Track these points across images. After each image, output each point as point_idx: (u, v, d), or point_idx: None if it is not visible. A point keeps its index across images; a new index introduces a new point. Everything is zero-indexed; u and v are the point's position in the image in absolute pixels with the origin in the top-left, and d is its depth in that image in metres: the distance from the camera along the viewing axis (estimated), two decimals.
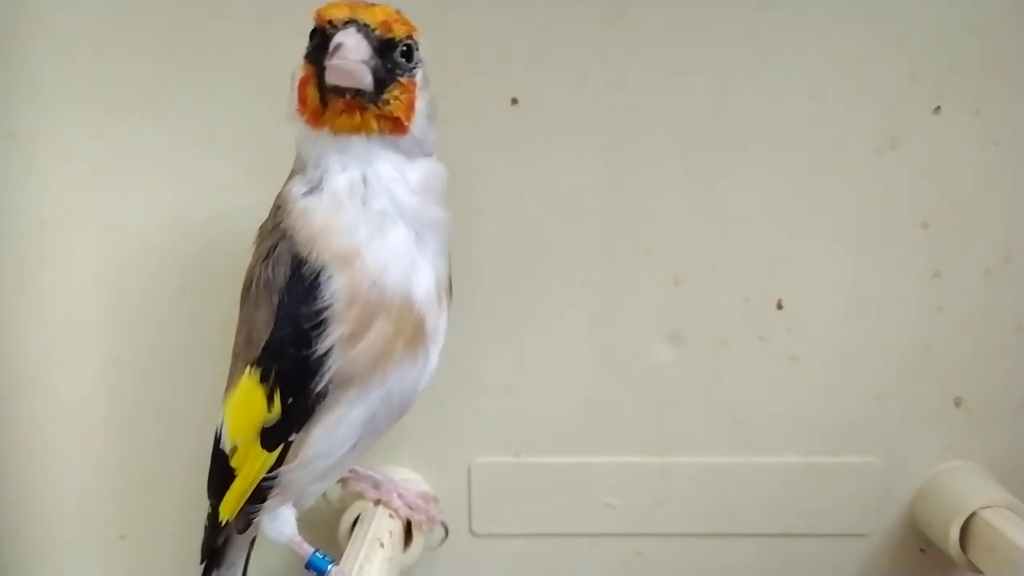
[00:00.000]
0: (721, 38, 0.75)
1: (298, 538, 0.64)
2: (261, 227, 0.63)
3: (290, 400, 0.58)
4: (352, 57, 0.53)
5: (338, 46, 0.52)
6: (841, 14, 0.75)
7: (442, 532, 0.78)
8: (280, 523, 0.64)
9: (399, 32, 0.56)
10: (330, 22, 0.54)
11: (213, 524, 0.65)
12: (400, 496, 0.73)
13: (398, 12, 0.57)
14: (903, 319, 0.78)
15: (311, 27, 0.56)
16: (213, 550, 0.68)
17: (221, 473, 0.63)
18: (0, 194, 0.77)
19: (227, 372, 0.66)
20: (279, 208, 0.59)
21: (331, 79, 0.54)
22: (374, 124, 0.57)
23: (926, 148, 0.76)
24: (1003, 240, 0.77)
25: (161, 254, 0.78)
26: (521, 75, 0.75)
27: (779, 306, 0.79)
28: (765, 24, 0.75)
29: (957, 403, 0.80)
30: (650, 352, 0.79)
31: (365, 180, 0.58)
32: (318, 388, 0.57)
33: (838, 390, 0.80)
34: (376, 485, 0.74)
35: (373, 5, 0.56)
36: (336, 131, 0.57)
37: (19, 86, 0.75)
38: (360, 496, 0.74)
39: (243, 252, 0.75)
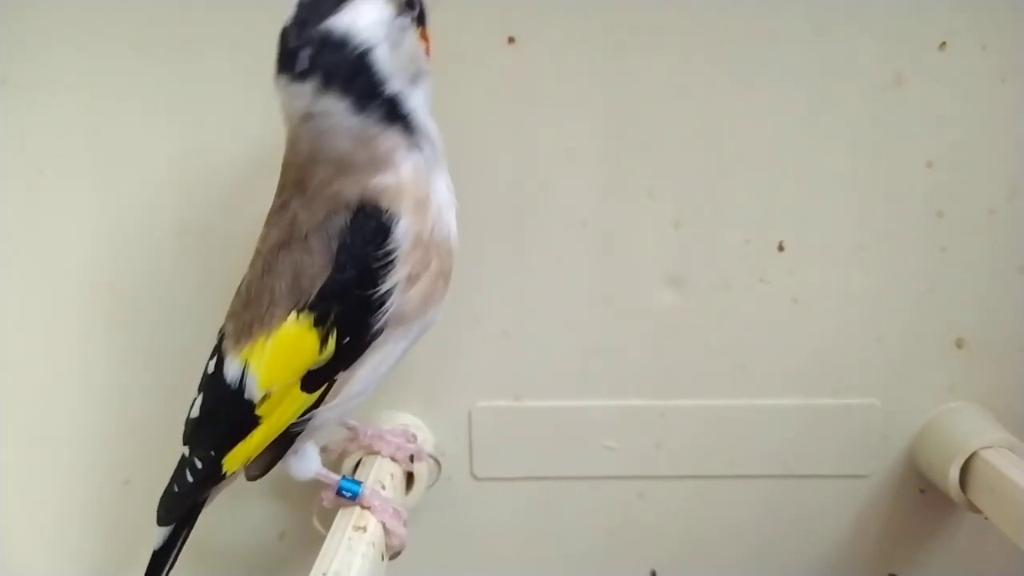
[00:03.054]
0: None
1: (324, 469, 0.66)
2: (291, 201, 0.61)
3: (347, 340, 0.59)
4: None
5: None
6: None
7: (435, 464, 0.79)
8: (307, 460, 0.66)
9: None
10: None
11: (206, 477, 0.64)
12: (380, 438, 0.75)
13: None
14: (905, 260, 0.78)
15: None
16: (192, 507, 0.68)
17: (236, 423, 0.62)
18: None
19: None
20: (371, 168, 0.59)
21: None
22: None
23: (931, 85, 0.75)
24: (1008, 179, 0.76)
25: (158, 199, 0.78)
26: (518, 14, 0.73)
27: (780, 248, 0.78)
28: None
29: (959, 344, 0.79)
30: (650, 295, 0.79)
31: (428, 128, 0.61)
32: (376, 326, 0.59)
33: (839, 332, 0.79)
34: (354, 436, 0.75)
35: None
36: None
37: (10, 31, 0.75)
38: (347, 449, 0.75)
39: (240, 196, 0.76)
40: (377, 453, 0.74)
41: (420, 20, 0.60)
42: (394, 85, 0.57)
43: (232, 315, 0.65)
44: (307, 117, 0.57)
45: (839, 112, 0.75)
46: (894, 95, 0.75)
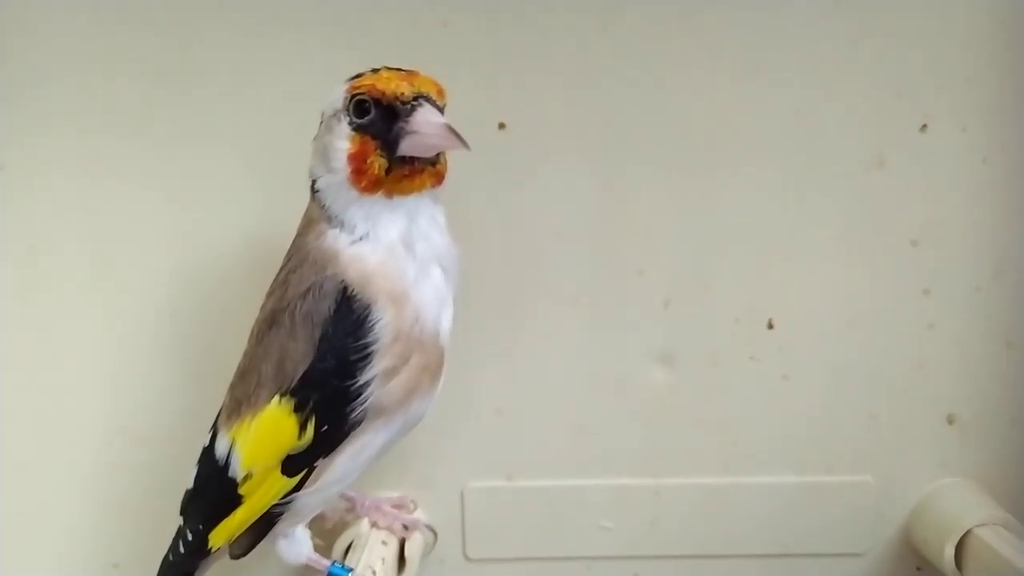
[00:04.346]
0: (708, 58, 0.75)
1: (315, 555, 0.67)
2: (286, 270, 0.64)
3: (324, 428, 0.60)
4: (439, 132, 0.58)
5: (424, 122, 0.58)
6: (827, 32, 0.75)
7: (431, 535, 0.79)
8: (298, 544, 0.67)
9: (446, 99, 0.61)
10: (398, 97, 0.58)
11: (195, 550, 0.65)
12: (376, 509, 0.76)
13: (433, 78, 0.61)
14: (894, 336, 0.78)
15: (341, 96, 0.61)
16: None
17: (221, 499, 0.63)
18: None
19: (220, 395, 0.66)
20: (317, 256, 0.61)
21: (415, 151, 0.59)
22: (428, 183, 0.61)
23: (914, 166, 0.76)
24: (993, 256, 0.77)
25: (152, 281, 0.78)
26: (507, 100, 0.75)
27: (770, 325, 0.79)
28: (752, 43, 0.75)
29: (950, 420, 0.79)
30: (642, 373, 0.79)
31: (411, 230, 0.62)
32: (354, 417, 0.60)
33: (831, 409, 0.79)
34: (351, 507, 0.76)
35: (416, 73, 0.60)
36: (392, 194, 0.61)
37: (7, 117, 0.76)
38: (344, 524, 0.75)
39: (234, 278, 0.77)
40: (374, 524, 0.75)
41: (363, 130, 0.60)
42: (311, 168, 0.63)
43: (230, 388, 0.66)
44: None
45: (824, 192, 0.77)
46: (878, 176, 0.76)
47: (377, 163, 0.59)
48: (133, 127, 0.76)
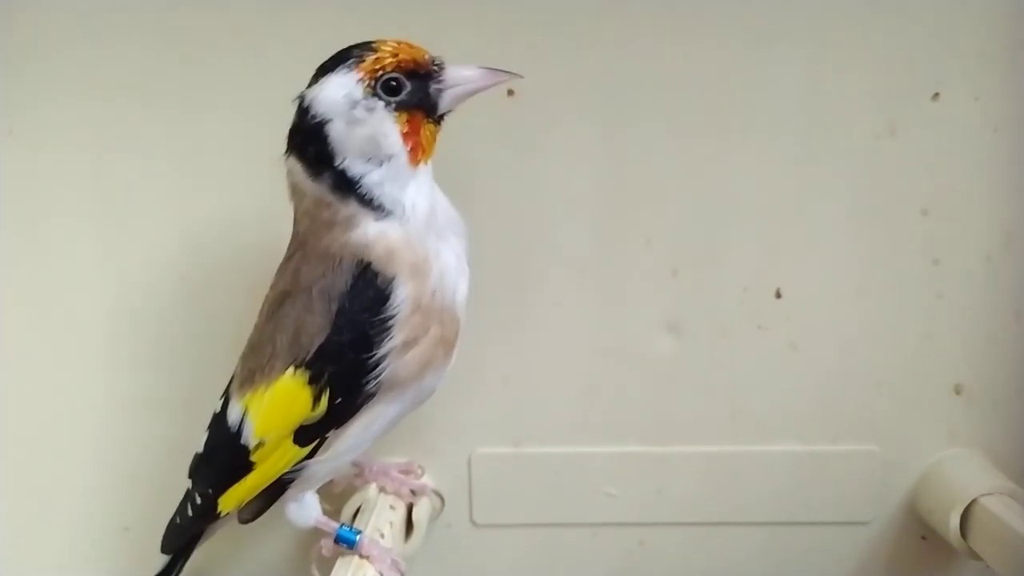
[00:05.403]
0: (718, 26, 0.75)
1: (324, 517, 0.67)
2: (295, 260, 0.63)
3: (338, 400, 0.60)
4: (483, 74, 0.61)
5: (463, 73, 0.61)
6: (839, 1, 0.74)
7: (438, 500, 0.80)
8: (307, 507, 0.67)
9: None
10: (427, 62, 0.60)
11: (203, 514, 0.66)
12: (384, 474, 0.76)
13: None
14: (903, 306, 0.78)
15: (362, 75, 0.59)
16: (189, 540, 0.69)
17: (232, 465, 0.64)
18: None
19: (230, 361, 0.67)
20: (336, 251, 0.60)
21: (458, 102, 0.61)
22: (433, 147, 0.62)
23: (925, 135, 0.76)
24: (1002, 226, 0.77)
25: (161, 245, 0.79)
26: (517, 67, 0.74)
27: (778, 295, 0.79)
28: (762, 11, 0.75)
29: (957, 390, 0.79)
30: (649, 341, 0.79)
31: (432, 196, 0.63)
32: (368, 390, 0.61)
33: (838, 378, 0.80)
34: (360, 472, 0.76)
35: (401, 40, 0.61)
36: (420, 163, 0.61)
37: (16, 83, 0.76)
38: (353, 489, 0.76)
39: (242, 243, 0.77)
40: (382, 489, 0.76)
41: (408, 106, 0.60)
42: (343, 160, 0.60)
43: (242, 358, 0.66)
44: (288, 172, 0.62)
45: (834, 161, 0.76)
46: (888, 144, 0.76)
47: (428, 131, 0.61)
48: (141, 95, 0.76)
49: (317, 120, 0.59)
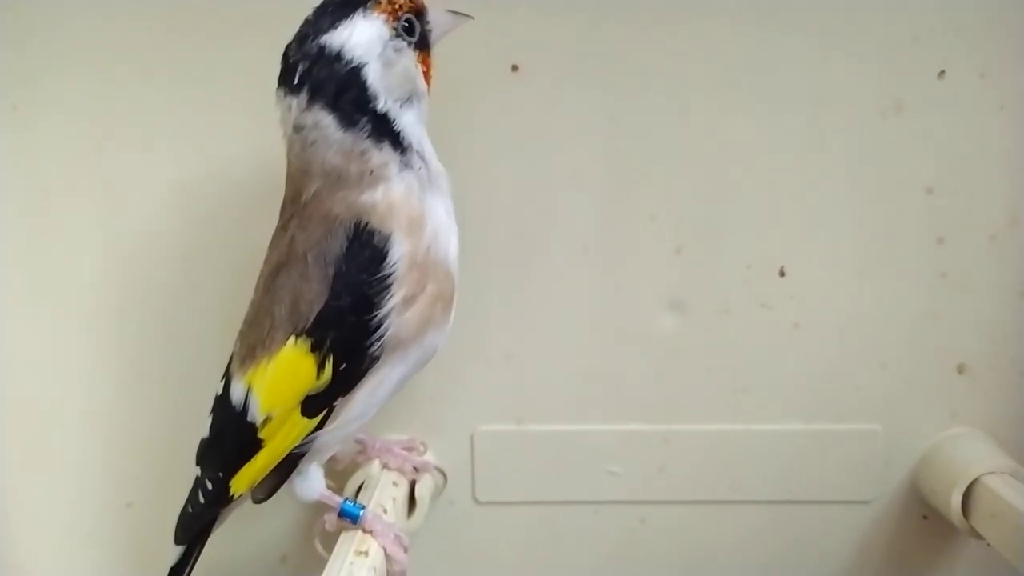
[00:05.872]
0: (723, 3, 0.74)
1: (328, 492, 0.67)
2: (292, 228, 0.62)
3: (342, 367, 0.60)
4: (452, 16, 0.65)
5: (443, 13, 0.64)
6: None
7: (441, 477, 0.80)
8: (311, 481, 0.67)
9: None
10: (423, 2, 0.63)
11: (216, 499, 0.65)
12: (387, 451, 0.76)
13: None
14: (906, 285, 0.78)
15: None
16: (203, 527, 0.68)
17: (241, 445, 0.63)
18: (2, 166, 0.77)
19: (232, 338, 0.66)
20: (342, 210, 0.60)
21: (438, 39, 0.64)
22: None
23: (931, 112, 0.75)
24: (1008, 205, 0.76)
25: (163, 223, 0.79)
26: (521, 42, 0.74)
27: (781, 273, 0.78)
28: None
29: (960, 369, 0.79)
30: (652, 319, 0.79)
31: (423, 149, 0.63)
32: (372, 352, 0.60)
33: (840, 357, 0.80)
34: (363, 449, 0.76)
35: None
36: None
37: (19, 58, 0.76)
38: (356, 465, 0.76)
39: (244, 221, 0.76)
40: (385, 465, 0.76)
41: (420, 46, 0.62)
42: (384, 103, 0.60)
43: (240, 336, 0.66)
44: (298, 129, 0.60)
45: (839, 138, 0.76)
46: (894, 122, 0.75)
47: (431, 66, 0.64)
48: (144, 71, 0.76)
49: (353, 65, 0.58)
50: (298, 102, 0.59)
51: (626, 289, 0.79)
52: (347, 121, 0.59)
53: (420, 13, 0.62)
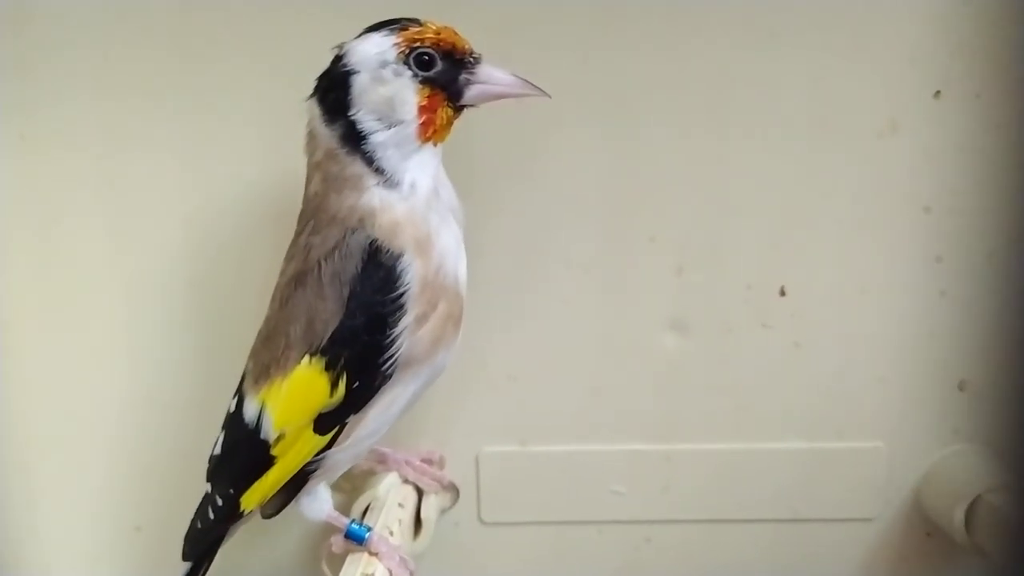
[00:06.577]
0: (721, 25, 0.75)
1: (335, 512, 0.68)
2: (307, 233, 0.64)
3: (355, 385, 0.61)
4: (513, 81, 0.64)
5: (495, 73, 0.63)
6: None
7: (454, 492, 0.82)
8: (319, 502, 0.67)
9: None
10: (465, 51, 0.63)
11: (226, 515, 0.66)
12: (407, 463, 0.77)
13: None
14: (906, 304, 0.78)
15: (405, 49, 0.61)
16: (212, 543, 0.69)
17: (253, 462, 0.64)
18: (10, 193, 0.78)
19: (239, 362, 0.67)
20: (348, 214, 0.62)
21: (482, 100, 0.64)
22: (447, 132, 0.64)
23: (927, 132, 0.76)
24: (1005, 224, 0.77)
25: (172, 247, 0.79)
26: (522, 62, 0.74)
27: (782, 292, 0.79)
28: (765, 9, 0.75)
29: (961, 387, 0.80)
30: (654, 339, 0.80)
31: (437, 177, 0.64)
32: (385, 370, 0.61)
33: (842, 375, 0.80)
34: (382, 459, 0.77)
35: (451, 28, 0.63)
36: (437, 143, 0.64)
37: (26, 87, 0.77)
38: (372, 473, 0.76)
39: (250, 247, 0.77)
40: (405, 476, 0.77)
41: (436, 84, 0.62)
42: (359, 113, 0.62)
43: (253, 353, 0.67)
44: (308, 122, 0.64)
45: (837, 158, 0.77)
46: (891, 142, 0.76)
47: (445, 114, 0.63)
48: (150, 97, 0.77)
49: (346, 69, 0.62)
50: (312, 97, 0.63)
51: (628, 310, 0.80)
52: (328, 119, 0.62)
53: (451, 57, 0.62)
